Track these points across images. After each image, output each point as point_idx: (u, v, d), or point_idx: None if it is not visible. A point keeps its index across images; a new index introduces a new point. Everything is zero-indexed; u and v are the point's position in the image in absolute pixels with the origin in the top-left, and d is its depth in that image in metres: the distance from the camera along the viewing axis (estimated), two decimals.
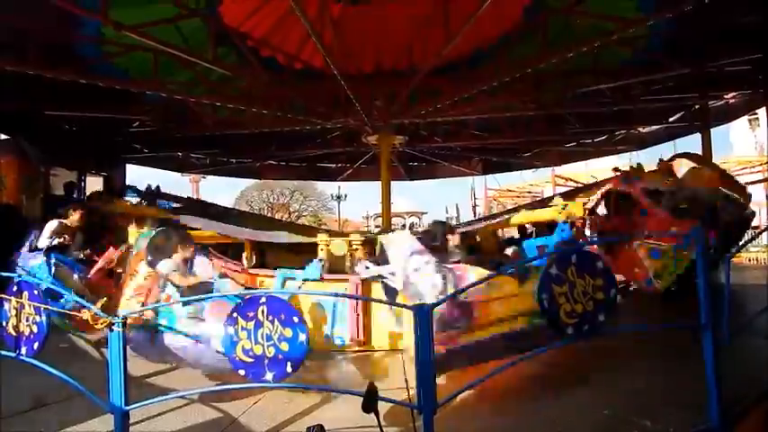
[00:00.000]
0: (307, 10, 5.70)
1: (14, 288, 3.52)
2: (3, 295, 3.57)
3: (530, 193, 25.02)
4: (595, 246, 4.96)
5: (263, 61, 8.67)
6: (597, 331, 3.16)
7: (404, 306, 3.18)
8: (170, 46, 6.73)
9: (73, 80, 7.27)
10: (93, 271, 5.96)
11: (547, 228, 7.49)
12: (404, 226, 29.29)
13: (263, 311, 2.98)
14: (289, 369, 2.93)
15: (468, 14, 5.83)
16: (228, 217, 10.50)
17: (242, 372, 3.02)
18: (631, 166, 7.54)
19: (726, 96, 10.01)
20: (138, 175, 13.90)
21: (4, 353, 3.51)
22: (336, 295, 5.77)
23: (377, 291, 5.54)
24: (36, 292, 3.45)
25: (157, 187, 10.83)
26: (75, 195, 10.05)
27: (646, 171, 7.18)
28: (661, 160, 7.53)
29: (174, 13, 6.90)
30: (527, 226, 9.24)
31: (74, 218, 6.50)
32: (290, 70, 9.20)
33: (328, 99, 9.42)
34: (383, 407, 2.34)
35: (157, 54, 7.36)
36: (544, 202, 8.54)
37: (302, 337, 2.92)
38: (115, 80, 7.92)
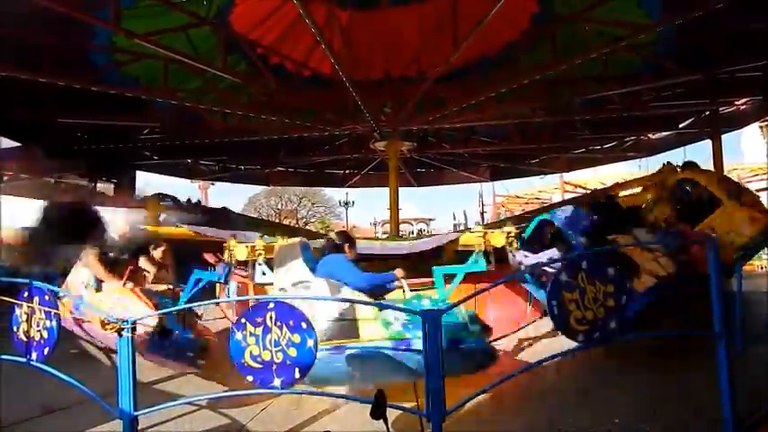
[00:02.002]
0: (315, 17, 5.74)
1: (25, 293, 3.54)
2: (14, 300, 3.59)
3: (538, 199, 24.91)
4: None
5: (272, 69, 8.73)
6: (608, 339, 3.11)
7: (412, 311, 3.15)
8: (181, 54, 6.80)
9: (84, 88, 7.35)
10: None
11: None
12: (411, 233, 29.31)
13: (271, 317, 2.97)
14: (297, 375, 2.91)
15: (476, 22, 5.85)
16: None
17: (250, 378, 3.00)
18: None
19: (737, 102, 9.91)
20: (144, 183, 13.88)
21: (15, 358, 3.54)
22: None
23: None
24: (47, 297, 3.47)
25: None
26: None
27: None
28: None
29: (186, 21, 6.98)
30: None
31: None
32: (298, 77, 9.25)
33: (336, 106, 9.47)
34: (392, 414, 2.33)
35: (168, 62, 7.43)
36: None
37: (310, 342, 2.91)
38: (126, 88, 8.00)
